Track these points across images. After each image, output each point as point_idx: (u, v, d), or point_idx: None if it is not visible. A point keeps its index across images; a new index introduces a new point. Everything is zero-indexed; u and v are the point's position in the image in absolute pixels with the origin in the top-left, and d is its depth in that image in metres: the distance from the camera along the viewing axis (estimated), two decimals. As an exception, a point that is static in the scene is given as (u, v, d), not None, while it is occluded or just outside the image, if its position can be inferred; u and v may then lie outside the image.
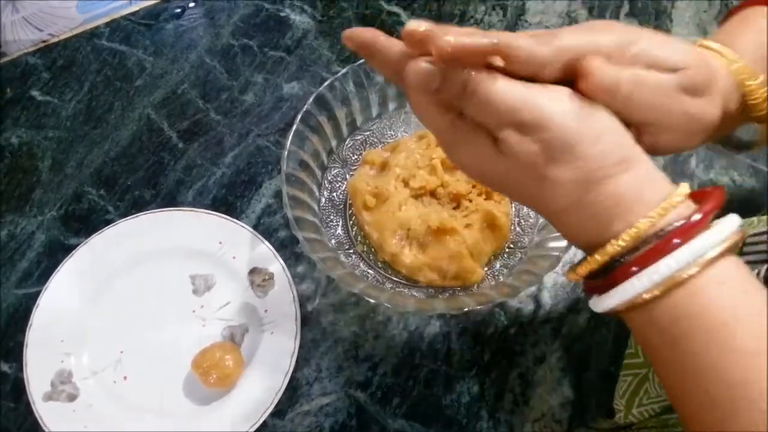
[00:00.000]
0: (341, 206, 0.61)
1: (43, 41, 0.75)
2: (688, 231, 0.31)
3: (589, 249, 0.34)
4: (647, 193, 0.32)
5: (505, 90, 0.31)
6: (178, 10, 0.77)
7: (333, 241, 0.58)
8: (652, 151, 0.35)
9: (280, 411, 0.54)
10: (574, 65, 0.33)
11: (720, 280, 0.31)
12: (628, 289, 0.32)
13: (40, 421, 0.53)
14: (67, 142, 0.68)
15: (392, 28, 0.74)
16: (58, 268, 0.59)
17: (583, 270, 0.34)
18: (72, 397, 0.54)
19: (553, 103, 0.32)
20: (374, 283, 0.56)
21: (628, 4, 0.77)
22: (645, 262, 0.31)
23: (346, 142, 0.63)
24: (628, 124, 0.34)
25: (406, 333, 0.58)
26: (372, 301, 0.51)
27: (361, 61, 0.59)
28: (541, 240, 0.56)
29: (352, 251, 0.58)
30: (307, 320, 0.58)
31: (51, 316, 0.57)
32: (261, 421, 0.53)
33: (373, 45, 0.35)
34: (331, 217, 0.60)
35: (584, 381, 0.56)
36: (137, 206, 0.64)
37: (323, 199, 0.60)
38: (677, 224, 0.31)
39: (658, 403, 0.46)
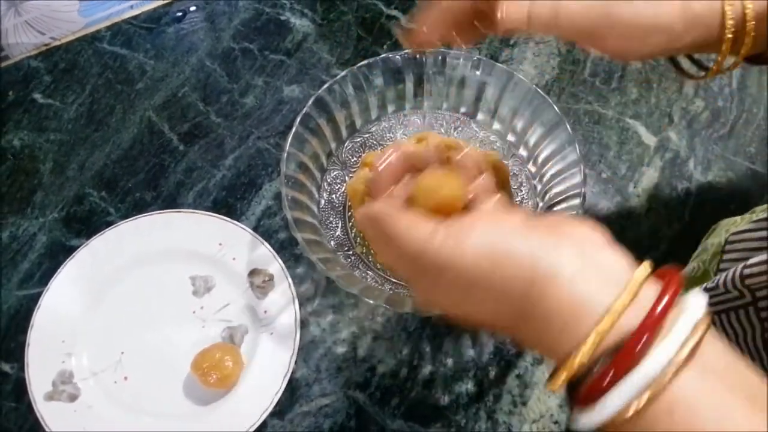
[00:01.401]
0: (340, 208, 0.61)
1: (45, 44, 0.76)
2: (650, 331, 0.28)
3: (557, 360, 0.31)
4: (593, 295, 0.29)
5: (405, 236, 0.33)
6: (179, 14, 0.77)
7: (332, 243, 0.58)
8: (612, 56, 0.40)
9: (279, 411, 0.55)
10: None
11: (698, 380, 0.28)
12: (605, 408, 0.28)
13: (41, 421, 0.53)
14: (68, 145, 0.69)
15: (391, 31, 0.75)
16: (60, 270, 0.59)
17: (556, 384, 0.30)
18: (73, 398, 0.55)
19: (446, 248, 0.32)
20: (373, 284, 0.56)
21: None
22: (616, 374, 0.28)
23: (346, 145, 0.63)
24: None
25: (404, 334, 0.58)
26: (371, 302, 0.51)
27: (361, 64, 0.59)
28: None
29: (351, 252, 0.59)
30: (306, 321, 0.58)
31: (52, 316, 0.57)
32: (260, 422, 0.53)
33: None
34: (331, 218, 0.60)
35: (582, 382, 0.56)
36: (138, 208, 0.64)
37: (323, 201, 0.61)
38: (636, 323, 0.28)
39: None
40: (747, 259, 0.42)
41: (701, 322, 0.28)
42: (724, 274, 0.39)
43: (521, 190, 0.61)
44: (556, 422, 0.54)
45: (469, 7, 0.43)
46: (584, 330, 0.29)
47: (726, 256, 0.44)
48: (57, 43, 0.76)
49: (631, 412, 0.27)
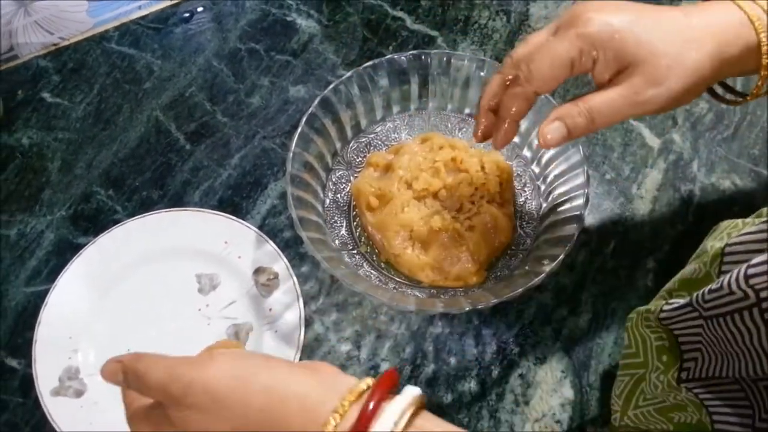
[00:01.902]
0: (345, 207, 0.61)
1: (54, 44, 0.76)
2: (366, 418, 0.31)
3: None
4: (323, 405, 0.33)
5: (155, 369, 0.36)
6: (187, 15, 0.78)
7: (337, 242, 0.59)
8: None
9: (283, 409, 0.55)
10: None
11: None
12: None
13: (47, 416, 0.54)
14: (76, 144, 0.69)
15: (397, 32, 0.75)
16: (67, 267, 0.60)
17: None
18: (79, 393, 0.55)
19: (194, 372, 0.34)
20: (377, 283, 0.57)
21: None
22: None
23: (351, 145, 0.64)
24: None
25: (408, 333, 0.58)
26: (374, 300, 0.51)
27: (366, 65, 0.60)
28: (543, 241, 0.56)
29: (355, 251, 0.59)
30: (310, 319, 0.59)
31: (59, 313, 0.58)
32: (264, 419, 0.53)
33: None
34: (335, 218, 0.61)
35: (585, 382, 0.56)
36: (145, 206, 0.65)
37: (327, 201, 0.61)
38: (356, 415, 0.32)
39: (654, 405, 0.46)
40: (750, 260, 0.42)
41: (412, 403, 0.32)
42: (728, 275, 0.39)
43: (525, 191, 0.62)
44: (558, 421, 0.55)
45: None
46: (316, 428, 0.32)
47: (727, 259, 0.44)
48: (66, 43, 0.76)
49: None
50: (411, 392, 0.33)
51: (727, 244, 0.44)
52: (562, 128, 0.43)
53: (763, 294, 0.36)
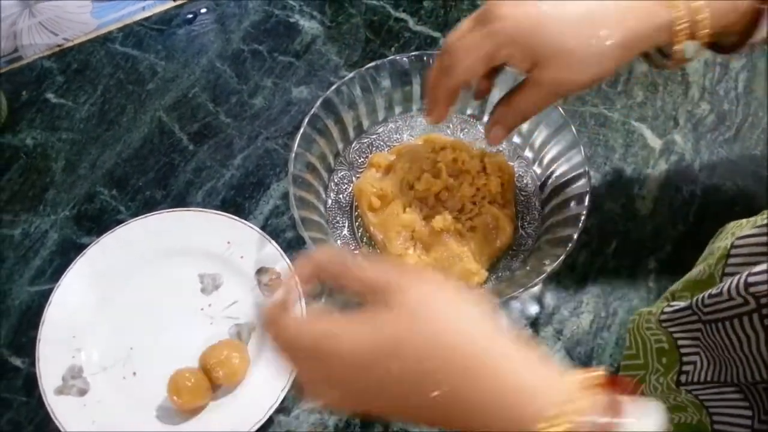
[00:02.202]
0: (347, 208, 0.62)
1: (58, 45, 0.77)
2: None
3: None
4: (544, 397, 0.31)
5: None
6: (190, 16, 0.78)
7: (339, 242, 0.59)
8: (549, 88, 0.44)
9: (285, 408, 0.55)
10: None
11: None
12: None
13: (51, 415, 0.54)
14: (80, 144, 0.70)
15: (399, 34, 0.76)
16: (71, 267, 0.60)
17: None
18: (82, 392, 0.55)
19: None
20: (379, 283, 0.57)
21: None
22: None
23: (353, 145, 0.64)
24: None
25: (409, 333, 0.58)
26: (376, 300, 0.51)
27: (368, 65, 0.60)
28: (544, 242, 0.57)
29: (357, 252, 0.59)
30: (312, 319, 0.59)
31: (63, 312, 0.58)
32: (266, 418, 0.53)
33: None
34: (338, 218, 0.61)
35: (585, 382, 0.56)
36: (148, 206, 0.65)
37: (330, 201, 0.61)
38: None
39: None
40: (752, 263, 0.42)
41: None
42: (728, 282, 0.39)
43: (526, 192, 0.62)
44: (559, 421, 0.55)
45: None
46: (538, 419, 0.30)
47: (731, 260, 0.45)
48: (70, 44, 0.77)
49: None
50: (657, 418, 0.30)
51: (732, 245, 0.44)
52: (501, 129, 0.49)
53: (763, 300, 0.36)
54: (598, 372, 0.32)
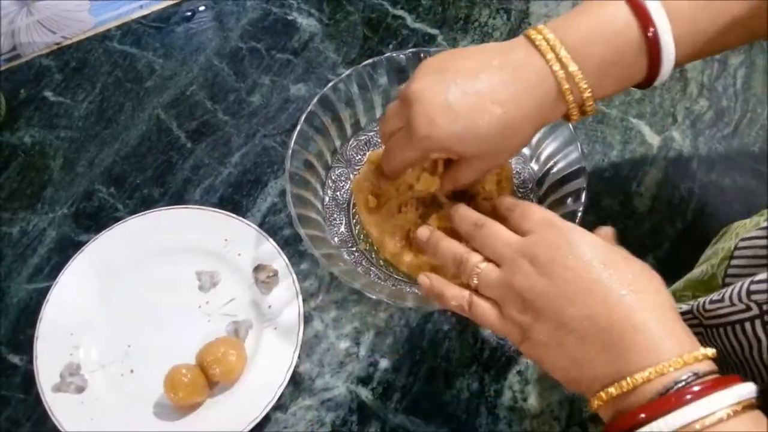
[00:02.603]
0: (345, 205, 0.62)
1: (57, 43, 0.77)
2: (703, 390, 0.33)
3: (596, 385, 0.36)
4: (671, 343, 0.35)
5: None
6: (188, 14, 0.78)
7: (336, 239, 0.59)
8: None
9: (282, 405, 0.55)
10: None
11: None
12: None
13: (49, 412, 0.54)
14: (78, 142, 0.70)
15: (397, 31, 0.76)
16: (68, 264, 0.60)
17: (600, 400, 0.36)
18: (80, 389, 0.56)
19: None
20: (376, 280, 0.57)
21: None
22: (659, 410, 0.33)
23: (350, 143, 0.64)
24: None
25: (407, 330, 0.58)
26: (373, 297, 0.52)
27: (365, 63, 0.60)
28: (541, 239, 0.56)
29: (354, 249, 0.59)
30: (310, 316, 0.59)
31: (61, 310, 0.59)
32: (263, 415, 0.54)
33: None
34: (335, 215, 0.61)
35: (583, 379, 0.56)
36: (146, 204, 0.65)
37: (327, 198, 0.61)
38: (692, 379, 0.33)
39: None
40: (755, 266, 0.42)
41: (751, 398, 0.33)
42: (730, 288, 0.39)
43: (523, 188, 0.62)
44: (556, 418, 0.55)
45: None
46: (652, 362, 0.34)
47: (734, 262, 0.44)
48: (68, 42, 0.77)
49: None
50: (750, 388, 0.34)
51: (736, 246, 0.44)
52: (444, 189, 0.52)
53: (765, 307, 0.36)
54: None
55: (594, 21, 0.42)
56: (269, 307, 0.59)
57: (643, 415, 0.33)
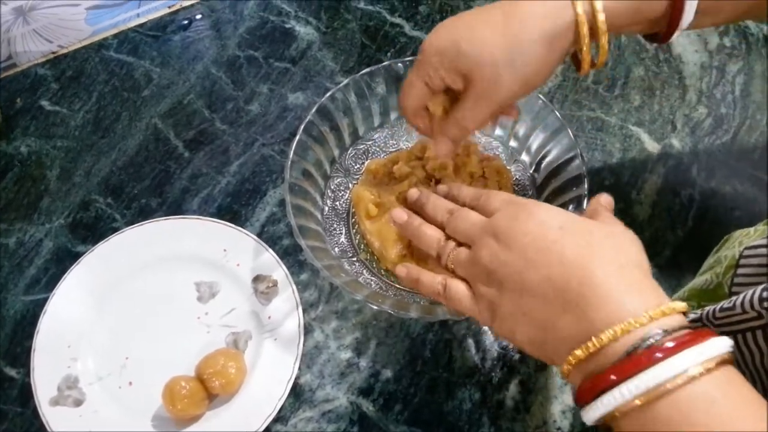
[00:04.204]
0: (344, 215, 0.61)
1: (53, 52, 0.76)
2: (675, 347, 0.32)
3: (564, 349, 0.36)
4: (633, 305, 0.34)
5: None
6: (185, 22, 0.78)
7: (336, 249, 0.59)
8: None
9: (282, 417, 0.55)
10: None
11: (704, 396, 0.31)
12: (614, 398, 0.32)
13: (46, 426, 0.53)
14: (75, 151, 0.69)
15: (395, 39, 0.75)
16: (66, 275, 0.60)
17: (569, 364, 0.35)
18: (78, 402, 0.55)
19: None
20: (377, 290, 0.57)
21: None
22: (629, 370, 0.32)
23: (349, 152, 0.64)
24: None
25: (408, 340, 0.58)
26: (375, 307, 0.51)
27: (363, 72, 0.60)
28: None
29: (355, 259, 0.59)
30: (310, 327, 0.58)
31: (58, 322, 0.58)
32: (264, 427, 0.53)
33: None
34: (335, 225, 0.61)
35: (585, 388, 0.56)
36: (144, 214, 0.65)
37: (326, 208, 0.61)
38: (662, 338, 0.33)
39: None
40: (762, 274, 0.42)
41: (725, 354, 0.32)
42: (741, 296, 0.39)
43: (523, 195, 0.62)
44: (559, 428, 0.54)
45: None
46: (614, 321, 0.34)
47: (740, 270, 0.44)
48: (64, 51, 0.76)
49: (638, 402, 0.32)
50: (724, 340, 0.33)
51: (741, 255, 0.44)
52: (447, 142, 0.51)
53: None
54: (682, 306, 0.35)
55: None
56: (269, 317, 0.58)
57: (613, 377, 0.33)
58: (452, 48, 0.45)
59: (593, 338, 0.34)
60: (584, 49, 0.45)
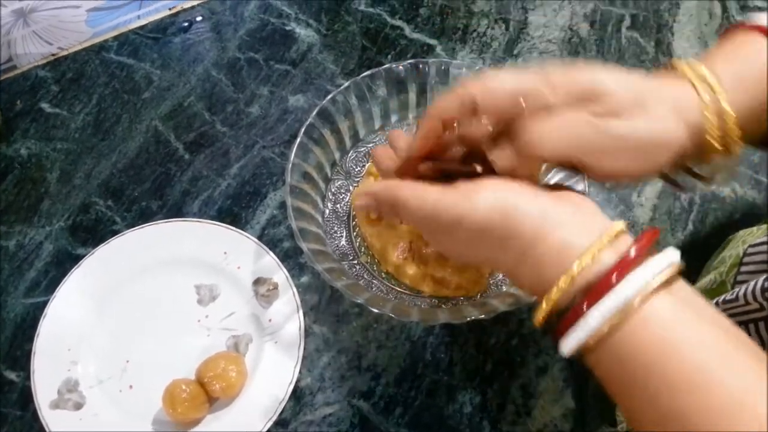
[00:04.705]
0: (345, 218, 0.61)
1: (53, 54, 0.76)
2: (624, 266, 0.32)
3: (540, 298, 0.36)
4: (579, 240, 0.34)
5: (422, 203, 0.39)
6: (186, 24, 0.78)
7: (337, 252, 0.59)
8: (608, 179, 0.38)
9: (283, 420, 0.55)
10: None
11: (662, 313, 0.32)
12: (581, 329, 0.33)
13: (46, 429, 0.53)
14: (75, 154, 0.69)
15: (395, 41, 0.75)
16: (66, 278, 0.60)
17: (539, 316, 0.36)
18: (78, 406, 0.55)
19: (462, 203, 0.37)
20: (378, 293, 0.57)
21: (629, 18, 0.78)
22: (591, 300, 0.32)
23: (350, 154, 0.64)
24: (573, 167, 0.37)
25: (408, 343, 0.58)
26: (376, 310, 0.51)
27: (364, 74, 0.60)
28: (543, 251, 0.56)
29: (356, 262, 0.59)
30: (310, 330, 0.58)
31: (58, 325, 0.58)
32: (265, 431, 0.53)
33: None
34: (335, 228, 0.61)
35: (586, 391, 0.56)
36: (144, 217, 0.65)
37: (327, 211, 0.61)
38: (612, 261, 0.33)
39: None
40: (765, 271, 0.42)
41: (674, 265, 0.33)
42: (744, 287, 0.39)
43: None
44: (560, 431, 0.54)
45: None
46: (567, 265, 0.34)
47: (744, 268, 0.44)
48: (64, 53, 0.76)
49: (606, 329, 0.32)
50: (672, 254, 0.33)
51: (745, 252, 0.44)
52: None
53: None
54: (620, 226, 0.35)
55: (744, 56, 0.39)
56: (270, 320, 0.58)
57: (583, 308, 0.33)
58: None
59: (551, 291, 0.34)
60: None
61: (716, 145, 0.37)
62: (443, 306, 0.56)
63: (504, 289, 0.57)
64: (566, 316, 0.34)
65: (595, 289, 0.32)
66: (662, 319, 0.31)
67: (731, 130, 0.37)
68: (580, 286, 0.33)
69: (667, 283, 0.32)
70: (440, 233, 0.39)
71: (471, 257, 0.41)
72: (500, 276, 0.58)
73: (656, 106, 0.36)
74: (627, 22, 0.78)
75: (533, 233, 0.35)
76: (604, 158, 0.36)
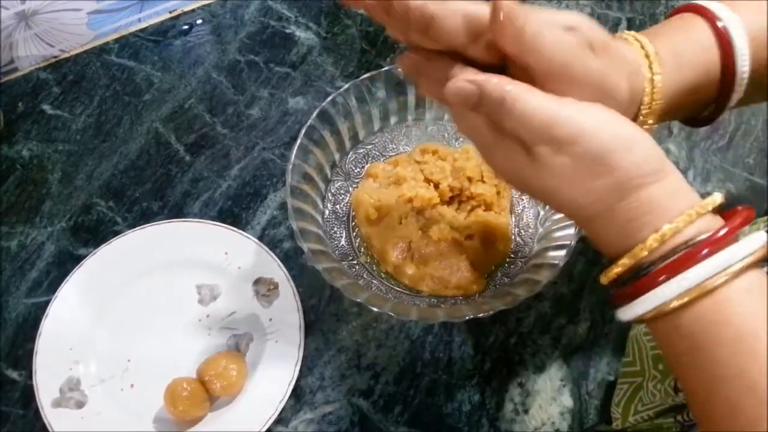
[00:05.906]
0: (345, 218, 0.62)
1: (54, 57, 0.77)
2: (716, 242, 0.32)
3: (618, 255, 0.35)
4: (676, 202, 0.34)
5: (538, 107, 0.33)
6: (186, 27, 0.79)
7: (337, 253, 0.59)
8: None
9: (283, 419, 0.55)
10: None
11: (747, 290, 0.32)
12: (655, 297, 0.33)
13: (48, 428, 0.54)
14: (76, 155, 0.70)
15: (395, 44, 0.76)
16: (67, 278, 0.60)
17: (614, 273, 0.35)
18: (80, 404, 0.55)
19: (585, 117, 0.34)
20: (378, 292, 0.57)
21: (626, 22, 0.79)
22: (673, 270, 0.32)
23: (349, 156, 0.64)
24: (533, 77, 0.35)
25: (407, 342, 0.59)
26: (376, 309, 0.52)
27: (363, 76, 0.60)
28: (541, 249, 0.57)
29: (355, 262, 0.59)
30: (310, 329, 0.59)
31: (60, 324, 0.58)
32: (265, 429, 0.53)
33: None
34: (335, 228, 0.61)
35: (584, 390, 0.57)
36: (145, 218, 0.65)
37: (327, 212, 0.61)
38: (705, 235, 0.32)
39: (653, 409, 0.46)
40: None
41: (759, 250, 0.32)
42: None
43: (522, 200, 0.62)
44: (557, 430, 0.55)
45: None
46: (660, 226, 0.33)
47: None
48: (66, 55, 0.77)
49: (676, 304, 0.32)
50: (761, 237, 0.33)
51: None
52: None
53: None
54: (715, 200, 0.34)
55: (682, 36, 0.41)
56: (270, 320, 0.59)
57: (662, 277, 0.33)
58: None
59: (636, 248, 0.34)
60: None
61: (644, 111, 0.40)
62: (442, 305, 0.57)
63: (501, 288, 0.57)
64: (640, 280, 0.33)
65: (679, 260, 0.32)
66: (740, 303, 0.32)
67: (656, 102, 0.39)
68: (663, 252, 0.33)
69: (752, 265, 0.32)
70: (544, 144, 0.34)
71: (562, 185, 0.35)
72: (498, 275, 0.59)
73: (616, 59, 0.37)
74: (623, 25, 0.79)
75: (652, 171, 0.34)
76: (569, 86, 0.35)
